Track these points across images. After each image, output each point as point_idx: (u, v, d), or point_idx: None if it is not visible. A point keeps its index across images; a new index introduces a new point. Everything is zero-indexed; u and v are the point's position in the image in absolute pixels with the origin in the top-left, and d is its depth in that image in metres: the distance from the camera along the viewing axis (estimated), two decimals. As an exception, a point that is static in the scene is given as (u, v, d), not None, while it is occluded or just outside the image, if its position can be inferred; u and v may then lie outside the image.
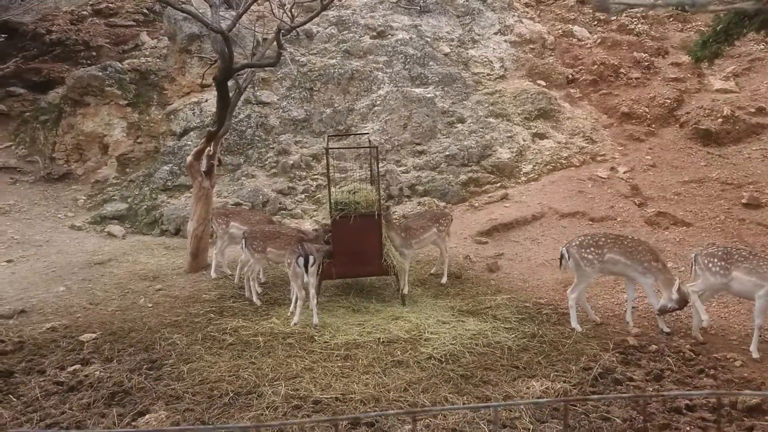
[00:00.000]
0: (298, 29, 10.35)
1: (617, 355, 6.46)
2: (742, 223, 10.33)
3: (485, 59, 15.94)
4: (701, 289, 6.83)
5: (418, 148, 13.43)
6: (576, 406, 5.43)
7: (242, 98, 11.27)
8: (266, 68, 12.90)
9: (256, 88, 13.89)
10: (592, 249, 7.25)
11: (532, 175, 12.75)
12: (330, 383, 5.92)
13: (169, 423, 5.20)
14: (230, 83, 9.61)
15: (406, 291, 8.37)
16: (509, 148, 13.25)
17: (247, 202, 12.04)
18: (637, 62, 16.31)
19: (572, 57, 16.50)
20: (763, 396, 5.39)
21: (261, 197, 12.16)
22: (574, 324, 7.23)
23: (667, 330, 7.10)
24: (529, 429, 5.11)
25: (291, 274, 7.56)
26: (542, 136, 13.66)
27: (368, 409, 5.45)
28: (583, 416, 5.30)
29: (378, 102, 14.11)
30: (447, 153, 13.10)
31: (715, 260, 6.73)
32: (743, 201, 10.93)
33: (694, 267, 7.02)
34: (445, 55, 15.71)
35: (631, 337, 6.83)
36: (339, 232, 7.93)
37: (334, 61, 14.86)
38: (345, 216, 7.91)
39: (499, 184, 12.58)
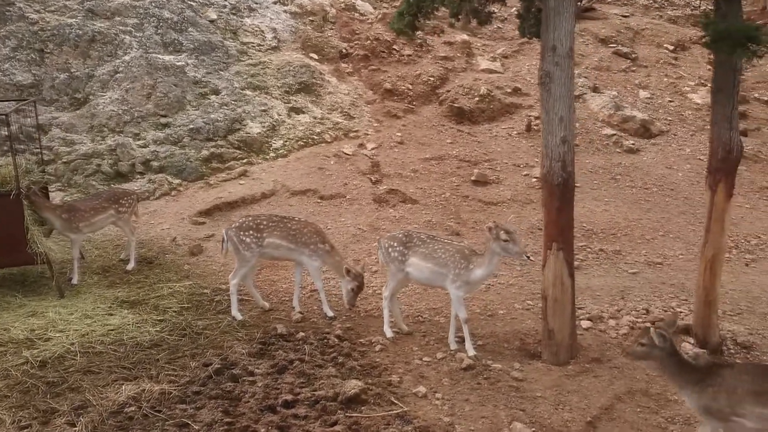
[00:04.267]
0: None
1: (257, 345, 5.95)
2: (464, 200, 10.43)
3: (257, 29, 15.01)
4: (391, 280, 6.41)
5: (163, 120, 12.25)
6: (160, 411, 4.78)
7: None
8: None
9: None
10: (251, 232, 6.67)
11: (281, 152, 12.11)
12: None
13: None
14: None
15: (75, 281, 7.36)
16: (261, 123, 12.50)
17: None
18: (411, 39, 16.24)
19: (350, 31, 16.06)
20: (362, 388, 5.07)
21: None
22: (234, 312, 6.65)
23: (331, 315, 6.73)
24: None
25: None
26: (299, 111, 13.06)
27: None
28: (158, 423, 4.65)
29: (121, 69, 12.68)
30: (192, 126, 12.06)
31: (395, 244, 6.36)
32: (472, 178, 11.08)
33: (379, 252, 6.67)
34: (211, 21, 14.53)
35: (281, 325, 6.36)
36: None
37: (73, 20, 13.14)
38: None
39: (245, 161, 11.80)
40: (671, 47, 17.92)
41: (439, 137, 12.72)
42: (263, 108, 12.84)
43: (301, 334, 6.21)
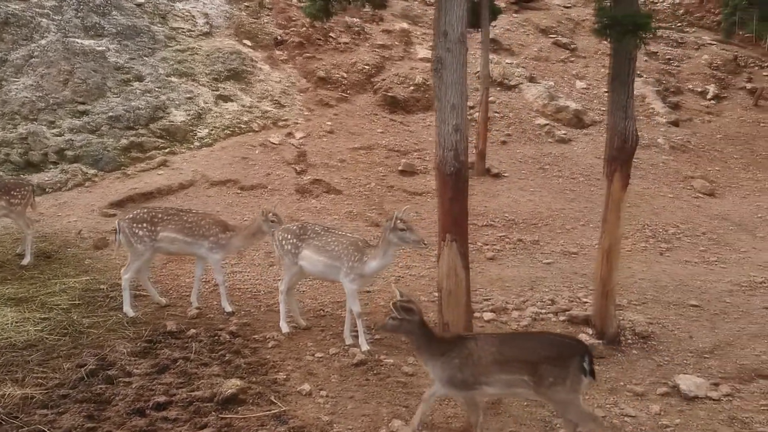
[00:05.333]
0: None
1: (141, 344, 5.65)
2: (389, 191, 10.28)
3: (188, 14, 14.49)
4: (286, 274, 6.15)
5: (80, 107, 11.70)
6: (17, 417, 4.46)
7: None
8: None
9: None
10: (145, 225, 6.34)
11: (206, 141, 11.73)
12: None
13: None
14: None
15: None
16: (186, 111, 12.08)
17: None
18: (348, 27, 15.98)
19: (286, 18, 15.68)
20: (241, 387, 4.85)
21: None
22: (126, 308, 6.32)
23: (230, 310, 6.47)
24: None
25: None
26: (227, 99, 12.68)
27: None
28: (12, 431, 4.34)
29: (36, 53, 12.07)
30: (112, 114, 11.56)
31: (289, 236, 6.12)
32: (399, 168, 10.92)
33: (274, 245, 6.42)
34: (138, 5, 13.95)
35: (172, 322, 6.07)
36: None
37: (-15, 2, 12.45)
38: None
39: (167, 150, 11.39)
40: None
41: (371, 127, 12.52)
42: (189, 95, 12.41)
43: (192, 331, 5.94)
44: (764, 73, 17.58)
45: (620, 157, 5.74)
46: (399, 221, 5.50)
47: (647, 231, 9.29)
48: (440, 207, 5.60)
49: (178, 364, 5.35)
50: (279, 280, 6.69)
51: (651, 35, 5.12)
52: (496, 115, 13.46)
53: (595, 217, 9.70)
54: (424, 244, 5.64)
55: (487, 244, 8.63)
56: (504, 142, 12.52)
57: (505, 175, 11.15)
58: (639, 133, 12.16)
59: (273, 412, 4.72)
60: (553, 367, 3.97)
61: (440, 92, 5.42)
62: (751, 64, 17.93)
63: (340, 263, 5.73)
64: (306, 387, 5.06)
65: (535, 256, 8.34)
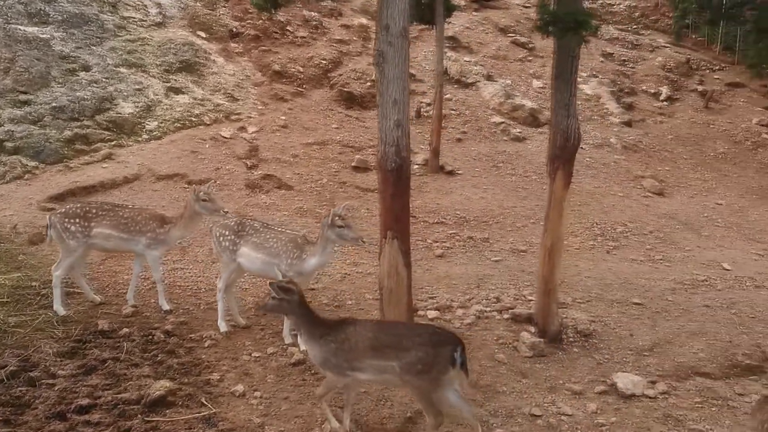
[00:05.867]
0: None
1: (69, 344, 5.41)
2: (341, 187, 10.14)
3: (140, 3, 14.09)
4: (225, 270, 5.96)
5: (22, 97, 11.22)
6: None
7: None
8: None
9: None
10: (77, 220, 6.07)
11: (155, 134, 11.38)
12: None
13: None
14: None
15: None
16: (135, 103, 11.71)
17: None
18: (306, 21, 15.77)
19: (242, 10, 15.38)
20: (170, 389, 4.67)
21: None
22: (57, 306, 6.05)
23: (167, 308, 6.26)
24: None
25: None
26: (178, 91, 12.34)
27: None
28: None
29: (-24, 40, 11.55)
30: (55, 104, 11.13)
31: (227, 233, 5.93)
32: (353, 164, 10.79)
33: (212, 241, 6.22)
34: (87, -8, 13.50)
35: (104, 321, 5.84)
36: None
37: None
38: None
39: (114, 143, 11.00)
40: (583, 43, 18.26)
41: (326, 122, 12.36)
42: (138, 87, 12.04)
43: (125, 330, 5.72)
44: (715, 76, 18.00)
45: (563, 155, 5.73)
46: (337, 218, 5.41)
47: (596, 229, 9.37)
48: (381, 204, 5.51)
49: (106, 364, 5.15)
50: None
51: (592, 33, 5.09)
52: (453, 112, 13.45)
53: (546, 216, 9.77)
54: (363, 241, 5.56)
55: (437, 242, 8.58)
56: (459, 140, 12.51)
57: (459, 172, 11.13)
58: (593, 133, 12.24)
59: (202, 414, 4.56)
60: (423, 355, 4.02)
61: (382, 87, 5.32)
62: (703, 67, 18.35)
63: (279, 260, 5.58)
64: (240, 388, 4.92)
65: (484, 254, 8.32)
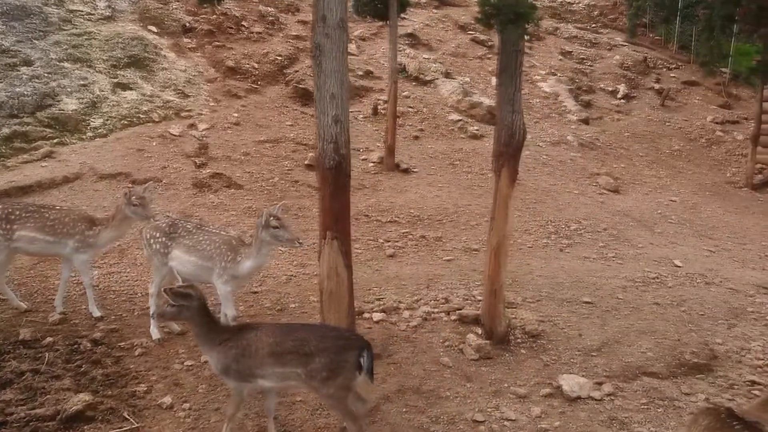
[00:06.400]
0: None
1: (-12, 354, 5.05)
2: (293, 185, 9.88)
3: (87, -5, 13.57)
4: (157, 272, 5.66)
5: (-42, 93, 10.68)
6: None
7: None
8: None
9: None
10: (1, 223, 5.70)
11: (101, 131, 10.94)
12: None
13: None
14: None
15: None
16: (79, 99, 11.24)
17: None
18: (262, 16, 15.44)
19: (196, 5, 14.93)
20: (89, 403, 4.37)
21: None
22: (-23, 314, 5.67)
23: (98, 314, 5.92)
24: None
25: None
26: (126, 87, 11.91)
27: None
28: None
29: None
30: (-7, 101, 10.61)
31: (158, 235, 5.60)
32: (306, 162, 10.53)
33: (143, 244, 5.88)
34: (30, -16, 12.92)
35: (27, 329, 5.49)
36: None
37: None
38: None
39: (56, 140, 10.53)
40: (527, 37, 18.26)
41: (280, 119, 12.07)
42: (83, 82, 11.57)
43: (49, 339, 5.38)
44: (672, 75, 18.25)
45: (507, 152, 5.58)
46: (272, 218, 5.16)
47: (550, 227, 9.30)
48: (320, 203, 5.28)
49: (24, 377, 4.82)
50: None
51: (534, 25, 4.95)
52: (411, 110, 13.29)
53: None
54: (299, 243, 5.31)
55: (389, 241, 8.39)
56: (416, 137, 12.35)
57: (415, 170, 10.97)
58: (550, 131, 12.19)
59: (124, 429, 4.28)
60: (328, 360, 3.82)
61: (319, 81, 5.09)
62: (660, 66, 18.58)
63: (212, 264, 5.31)
64: (168, 400, 4.64)
65: (437, 253, 8.16)
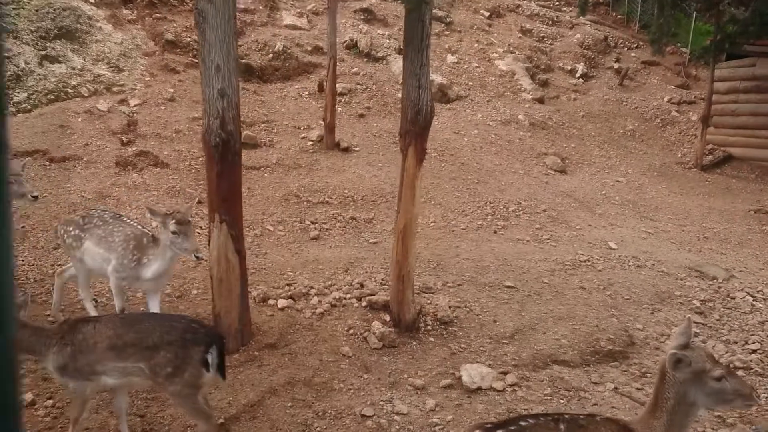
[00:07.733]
0: None
1: None
2: (224, 165, 9.44)
3: (19, -37, 12.81)
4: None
5: None
6: None
7: None
8: None
9: None
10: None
11: (25, 106, 10.40)
12: None
13: None
14: None
15: None
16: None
17: None
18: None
19: (138, -27, 14.27)
20: None
21: None
22: None
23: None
24: None
25: None
26: (54, 60, 11.32)
27: None
28: None
29: None
30: None
31: (71, 228, 5.11)
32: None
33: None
34: (-46, -51, 12.16)
35: None
36: None
37: None
38: None
39: (-25, 116, 9.96)
40: (487, 14, 17.90)
41: (218, 95, 11.56)
42: (6, 54, 10.95)
43: None
44: (632, 54, 18.01)
45: (414, 130, 5.25)
46: (173, 222, 4.55)
47: (488, 208, 9.04)
48: (208, 184, 4.94)
49: None
50: (59, 266, 5.83)
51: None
52: (359, 87, 12.89)
53: (438, 194, 9.39)
54: (197, 256, 4.63)
55: (315, 223, 8.06)
56: (362, 115, 11.98)
57: (356, 149, 10.61)
58: (502, 110, 11.83)
59: (-30, 429, 3.91)
60: (172, 355, 3.50)
61: (204, 51, 4.71)
62: (621, 45, 18.33)
63: (113, 257, 4.84)
64: (29, 396, 4.29)
65: (364, 235, 7.86)
